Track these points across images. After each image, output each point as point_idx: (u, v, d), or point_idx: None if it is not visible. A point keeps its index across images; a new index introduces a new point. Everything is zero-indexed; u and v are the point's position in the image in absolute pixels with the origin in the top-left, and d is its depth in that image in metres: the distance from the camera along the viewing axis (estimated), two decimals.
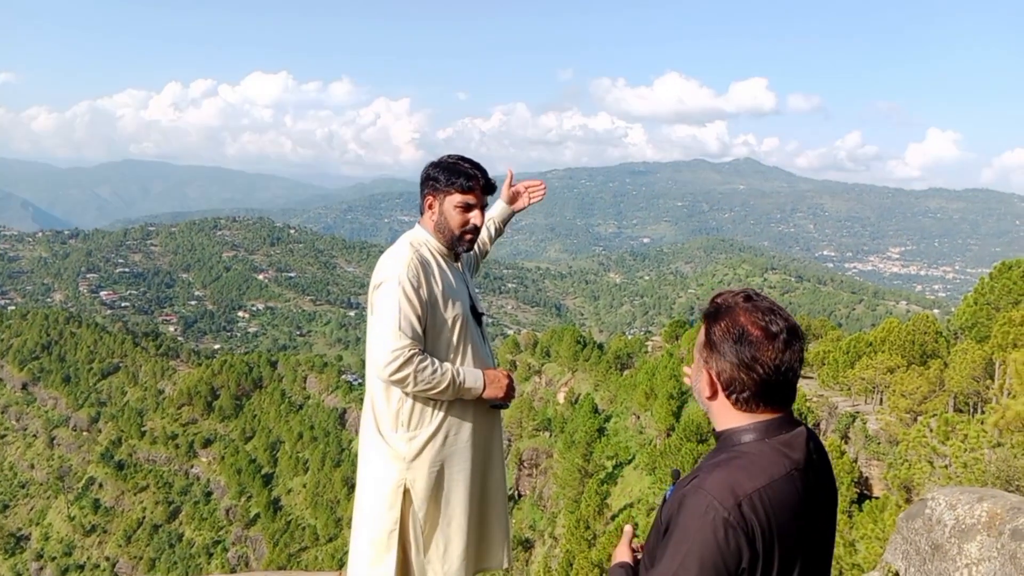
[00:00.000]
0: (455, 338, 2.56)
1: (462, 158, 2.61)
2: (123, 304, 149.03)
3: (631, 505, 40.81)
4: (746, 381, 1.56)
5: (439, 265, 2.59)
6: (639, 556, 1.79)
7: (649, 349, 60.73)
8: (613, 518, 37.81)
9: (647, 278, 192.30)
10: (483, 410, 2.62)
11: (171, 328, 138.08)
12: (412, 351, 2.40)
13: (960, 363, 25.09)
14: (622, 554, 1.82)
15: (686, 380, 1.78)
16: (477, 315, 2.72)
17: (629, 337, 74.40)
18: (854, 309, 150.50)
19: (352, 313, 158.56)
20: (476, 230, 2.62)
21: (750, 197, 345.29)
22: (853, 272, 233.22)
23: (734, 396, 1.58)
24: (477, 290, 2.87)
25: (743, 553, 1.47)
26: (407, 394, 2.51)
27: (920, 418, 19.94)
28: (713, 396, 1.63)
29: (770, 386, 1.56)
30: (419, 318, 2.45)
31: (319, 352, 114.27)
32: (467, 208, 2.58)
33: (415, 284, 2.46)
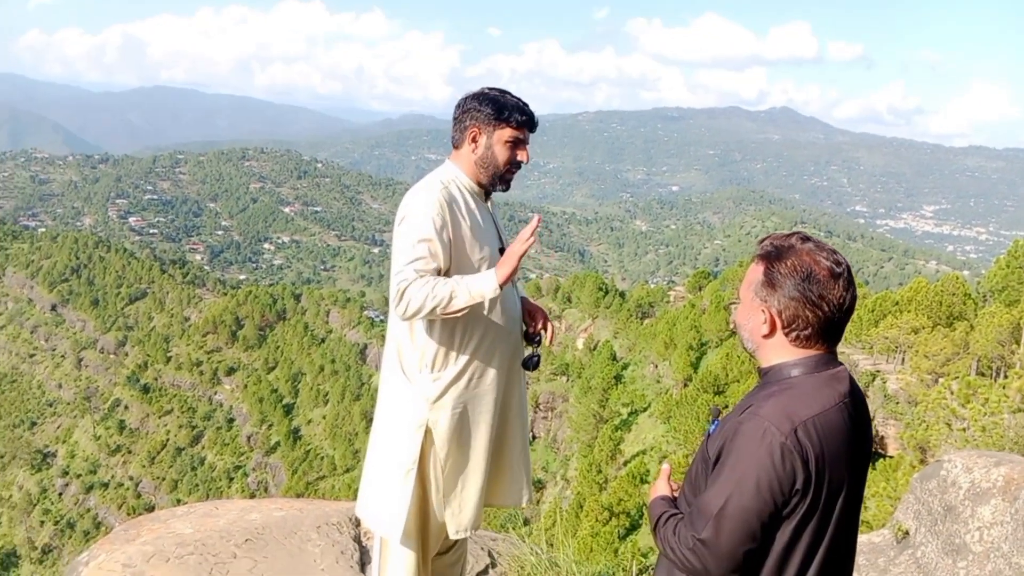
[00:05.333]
0: None
1: (505, 92, 2.50)
2: (151, 231, 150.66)
3: (644, 452, 41.25)
4: (810, 318, 1.61)
5: (467, 204, 2.50)
6: (676, 494, 1.82)
7: (671, 299, 60.55)
8: (625, 464, 38.34)
9: (673, 227, 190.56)
10: (508, 354, 2.59)
11: (198, 257, 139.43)
12: (414, 279, 2.34)
13: (987, 326, 24.78)
14: (662, 488, 1.84)
15: (733, 322, 1.77)
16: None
17: (652, 286, 74.22)
18: (883, 267, 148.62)
19: (376, 250, 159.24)
20: (518, 167, 2.54)
21: (784, 148, 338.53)
22: (884, 229, 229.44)
23: (795, 333, 1.64)
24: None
25: (797, 476, 1.54)
26: (430, 332, 2.47)
27: (941, 380, 19.80)
28: (771, 334, 1.67)
29: (831, 323, 1.62)
30: (436, 256, 2.38)
31: (342, 287, 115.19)
32: (516, 144, 2.49)
33: (439, 223, 2.38)
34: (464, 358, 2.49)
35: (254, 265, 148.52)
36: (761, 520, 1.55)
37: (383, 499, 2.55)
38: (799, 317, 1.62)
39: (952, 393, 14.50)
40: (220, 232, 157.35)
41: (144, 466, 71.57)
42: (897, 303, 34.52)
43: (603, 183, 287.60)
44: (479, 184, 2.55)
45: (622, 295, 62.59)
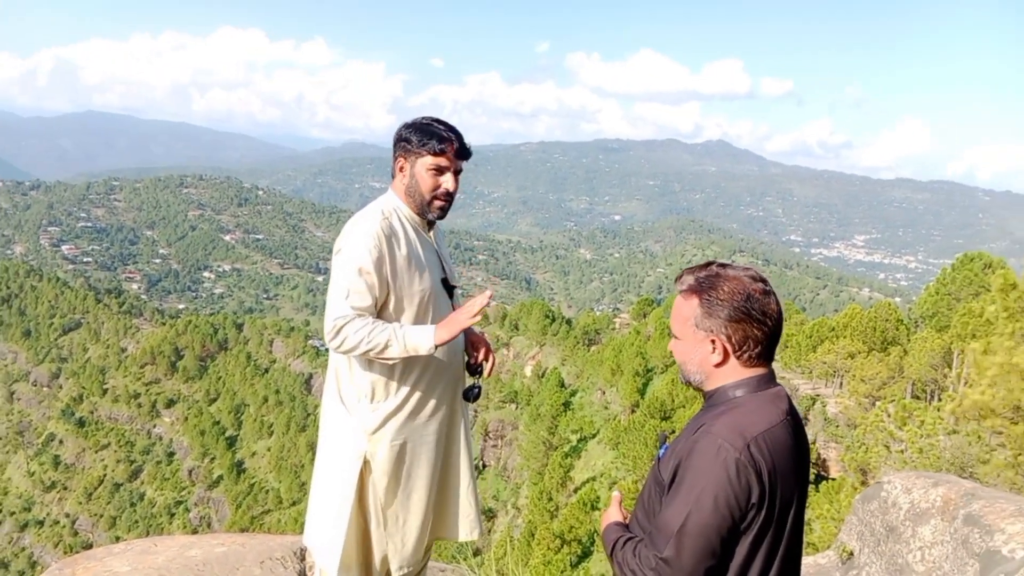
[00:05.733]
0: (422, 311, 2.48)
1: (436, 119, 2.48)
2: (85, 259, 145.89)
3: (594, 479, 41.34)
4: (759, 336, 1.67)
5: (407, 234, 2.48)
6: (628, 520, 1.88)
7: (617, 326, 61.19)
8: (576, 491, 38.36)
9: (617, 255, 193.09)
10: (450, 387, 2.57)
11: (134, 286, 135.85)
12: (352, 318, 2.33)
13: (920, 351, 25.73)
14: (614, 514, 1.90)
15: (676, 357, 1.85)
16: (449, 288, 2.61)
17: (597, 313, 74.82)
18: (818, 294, 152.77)
19: (320, 278, 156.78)
20: (448, 195, 2.49)
21: (721, 179, 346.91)
22: (819, 257, 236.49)
23: (746, 354, 1.69)
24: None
25: (752, 490, 1.58)
26: (368, 364, 2.45)
27: (878, 403, 20.49)
28: (724, 361, 1.71)
29: (774, 338, 1.69)
30: (373, 288, 2.36)
31: (286, 316, 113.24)
32: (439, 171, 2.45)
33: (375, 255, 2.36)
34: (404, 389, 2.47)
35: (194, 294, 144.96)
36: (720, 535, 1.58)
37: (323, 530, 2.52)
38: (749, 338, 1.68)
39: (889, 416, 15.05)
40: (158, 260, 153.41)
41: (81, 503, 68.90)
42: (833, 329, 35.58)
43: (547, 212, 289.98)
44: (418, 213, 2.53)
45: (568, 322, 63.04)
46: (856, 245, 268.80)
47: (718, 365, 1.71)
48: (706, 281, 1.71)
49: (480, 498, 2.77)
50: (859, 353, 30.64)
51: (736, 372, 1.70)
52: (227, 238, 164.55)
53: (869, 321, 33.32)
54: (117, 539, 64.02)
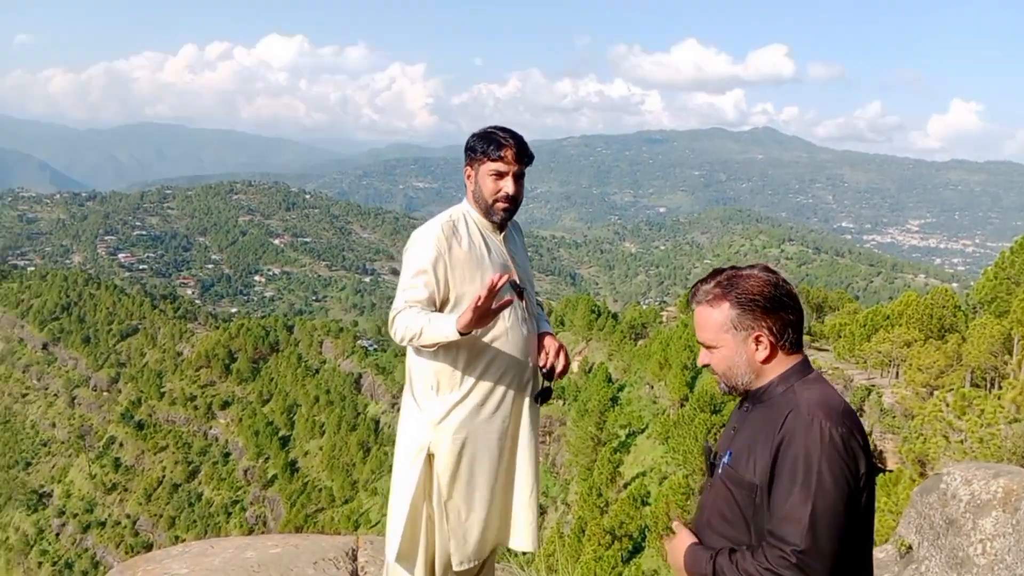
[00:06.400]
0: None
1: (499, 127, 2.58)
2: (141, 267, 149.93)
3: (643, 474, 41.10)
4: (794, 320, 1.70)
5: (472, 236, 2.58)
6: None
7: (664, 319, 60.67)
8: (625, 486, 38.19)
9: (663, 248, 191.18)
10: (516, 385, 2.59)
11: (188, 291, 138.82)
12: (403, 310, 2.44)
13: (978, 338, 24.96)
14: (688, 537, 1.82)
15: (708, 364, 1.81)
16: (518, 290, 2.65)
17: (644, 307, 74.29)
18: (872, 282, 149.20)
19: (367, 279, 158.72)
20: (509, 198, 2.58)
21: (768, 167, 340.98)
22: (872, 244, 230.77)
23: (787, 341, 1.70)
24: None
25: (859, 459, 1.59)
26: (434, 355, 2.52)
27: (936, 392, 19.93)
28: (771, 355, 1.71)
29: (802, 321, 1.72)
30: (429, 284, 2.47)
31: (335, 317, 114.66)
32: (499, 176, 2.54)
33: (434, 255, 2.46)
34: (469, 381, 2.52)
35: (245, 298, 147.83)
36: (848, 512, 1.56)
37: (390, 520, 2.62)
38: (787, 324, 1.69)
39: (948, 405, 14.63)
40: (210, 266, 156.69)
41: (141, 503, 70.50)
42: (888, 317, 34.72)
43: (591, 206, 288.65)
44: (486, 216, 2.63)
45: (615, 317, 62.68)
46: (910, 230, 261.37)
47: (765, 360, 1.71)
48: (729, 284, 1.72)
49: (537, 507, 2.77)
50: (915, 341, 29.83)
51: (781, 363, 1.71)
52: (276, 242, 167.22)
53: (925, 308, 32.42)
54: (176, 539, 65.90)
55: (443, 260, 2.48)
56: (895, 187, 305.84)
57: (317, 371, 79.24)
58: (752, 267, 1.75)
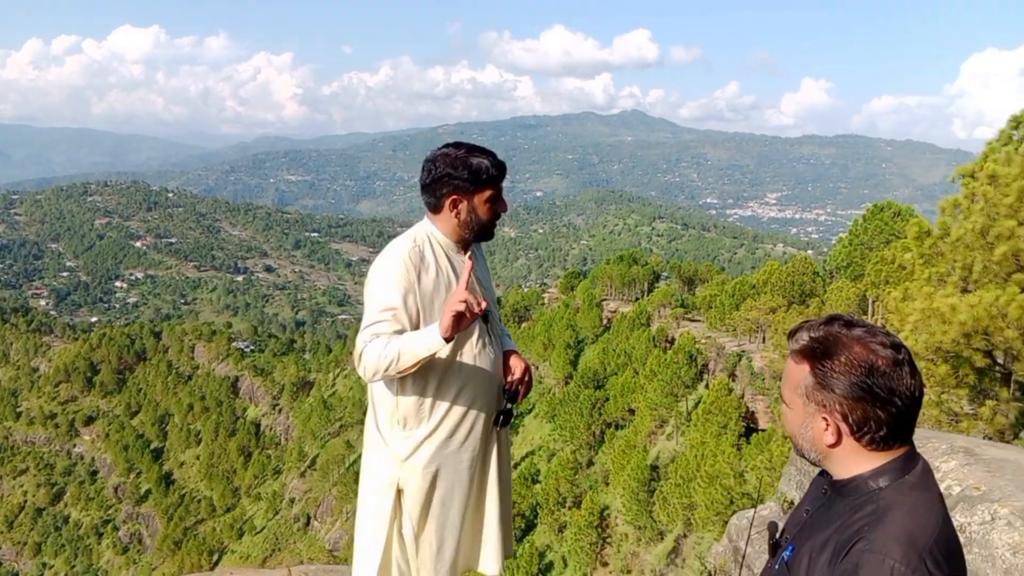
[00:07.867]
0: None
1: (471, 149, 2.38)
2: None
3: (532, 453, 41.65)
4: (883, 417, 1.35)
5: (439, 260, 2.40)
6: None
7: (545, 301, 61.52)
8: (516, 466, 38.52)
9: (541, 231, 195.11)
10: (485, 411, 2.47)
11: (42, 302, 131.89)
12: (370, 342, 2.26)
13: (836, 300, 26.55)
14: None
15: (786, 427, 1.50)
16: (484, 313, 2.45)
17: (525, 290, 75.17)
18: (736, 253, 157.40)
19: (240, 278, 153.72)
20: (499, 217, 2.49)
21: (637, 148, 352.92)
22: (735, 218, 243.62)
23: (867, 437, 1.36)
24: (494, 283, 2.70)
25: None
26: (400, 389, 2.39)
27: None
28: (838, 442, 1.40)
29: (906, 418, 1.36)
30: (399, 319, 2.28)
31: (206, 320, 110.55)
32: (496, 199, 2.41)
33: (404, 285, 2.29)
34: (438, 415, 2.39)
35: (106, 305, 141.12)
36: None
37: (358, 559, 2.50)
38: (870, 419, 1.35)
39: None
40: (65, 273, 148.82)
41: (2, 532, 66.53)
42: (754, 286, 36.51)
43: None
44: (459, 241, 2.45)
45: (498, 301, 63.05)
46: (769, 203, 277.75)
47: (832, 446, 1.41)
48: (821, 345, 1.39)
49: (512, 533, 2.67)
50: (780, 308, 31.46)
51: (863, 456, 1.39)
52: (138, 244, 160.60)
53: (787, 276, 34.31)
54: (44, 566, 61.69)
55: (413, 293, 2.31)
56: (754, 163, 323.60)
57: (190, 377, 76.75)
58: (873, 334, 1.39)
